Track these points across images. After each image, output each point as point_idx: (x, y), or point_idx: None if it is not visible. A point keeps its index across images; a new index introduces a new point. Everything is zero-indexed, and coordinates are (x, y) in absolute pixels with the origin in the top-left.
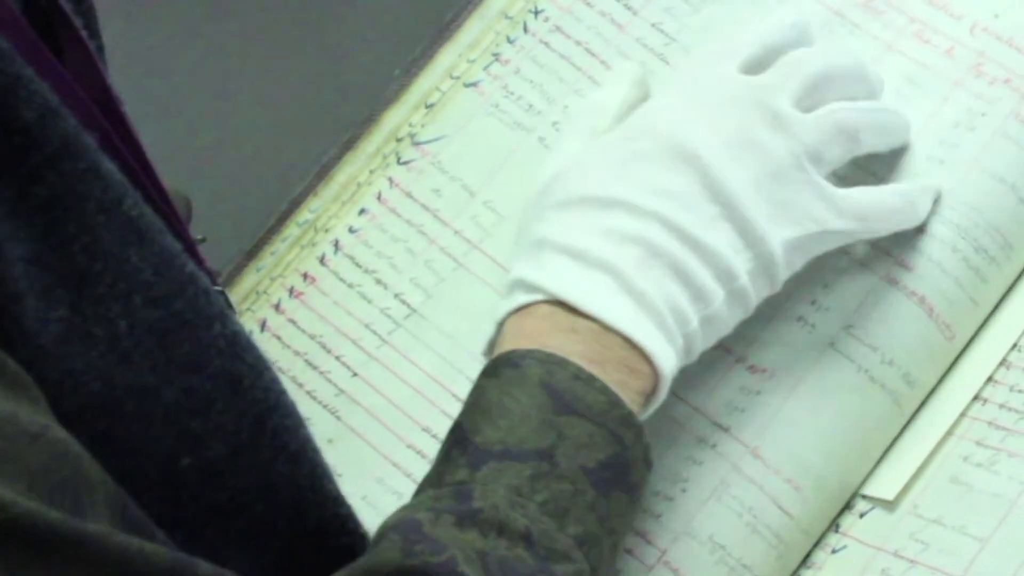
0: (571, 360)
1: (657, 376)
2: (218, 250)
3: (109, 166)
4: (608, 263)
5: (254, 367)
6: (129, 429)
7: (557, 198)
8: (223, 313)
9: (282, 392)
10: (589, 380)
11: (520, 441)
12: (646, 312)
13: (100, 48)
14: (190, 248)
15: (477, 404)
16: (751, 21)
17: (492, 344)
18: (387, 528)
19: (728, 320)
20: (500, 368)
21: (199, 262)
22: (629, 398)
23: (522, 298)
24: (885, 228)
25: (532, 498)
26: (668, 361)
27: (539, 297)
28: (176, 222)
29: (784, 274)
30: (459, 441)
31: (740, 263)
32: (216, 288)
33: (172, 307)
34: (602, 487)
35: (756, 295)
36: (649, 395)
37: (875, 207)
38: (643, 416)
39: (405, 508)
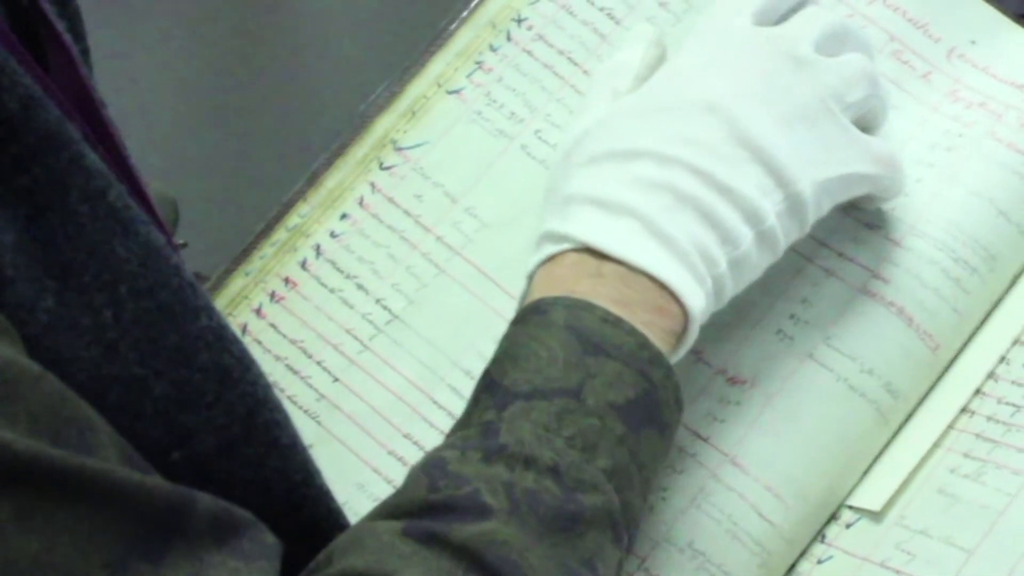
0: (598, 304)
1: (687, 316)
2: (211, 254)
3: (93, 157)
4: (635, 209)
5: (242, 360)
6: (117, 421)
7: (584, 156)
8: (209, 306)
9: (269, 387)
10: (616, 322)
11: (547, 381)
12: (673, 254)
13: (85, 51)
14: (175, 251)
15: (506, 351)
16: None
17: (524, 298)
18: (415, 469)
19: (758, 263)
20: (528, 315)
21: None
22: (658, 338)
23: (550, 248)
24: (900, 183)
25: (560, 433)
26: (697, 300)
27: (567, 246)
28: (158, 226)
29: (813, 216)
30: (487, 386)
31: (769, 205)
32: None
33: (158, 298)
34: (632, 423)
35: (785, 238)
36: (679, 336)
37: (896, 155)
38: (674, 359)
39: (434, 449)
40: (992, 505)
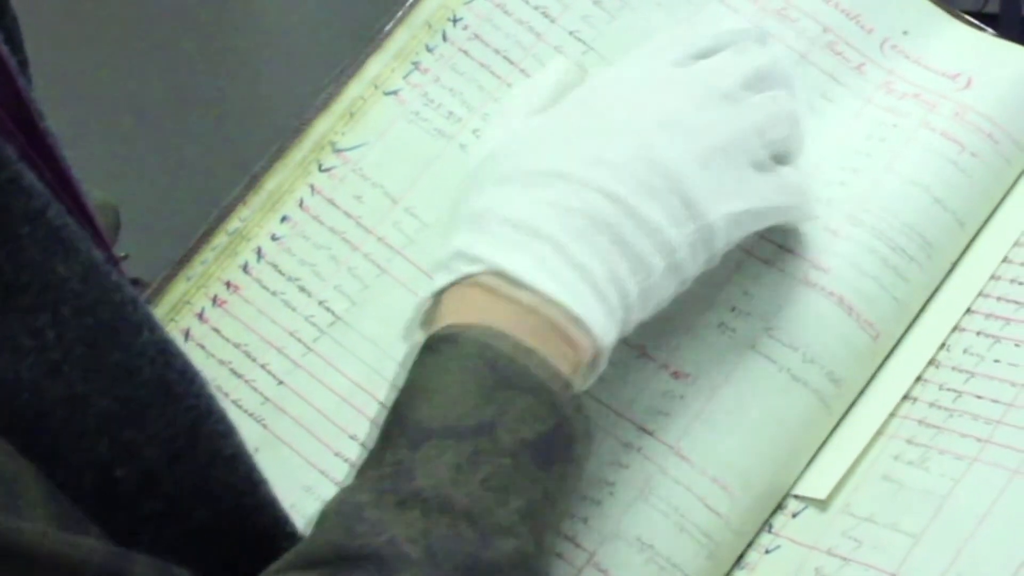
0: (510, 334)
1: (596, 347)
2: (152, 259)
3: (30, 176)
4: (550, 234)
5: (185, 374)
6: (61, 440)
7: (498, 172)
8: (151, 320)
9: (212, 398)
10: (528, 354)
11: (459, 418)
12: (586, 284)
13: (23, 63)
14: (113, 264)
15: (415, 382)
16: (665, 28)
17: (427, 315)
18: (328, 511)
19: (665, 292)
20: (439, 344)
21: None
22: (568, 371)
23: (464, 269)
24: (810, 211)
25: (473, 475)
26: (608, 332)
27: (479, 268)
28: (97, 239)
29: (723, 248)
30: (398, 420)
31: (680, 236)
32: None
33: (100, 315)
34: (544, 460)
35: (695, 267)
36: (588, 367)
37: (809, 186)
38: (583, 388)
39: (346, 490)
40: (936, 490)
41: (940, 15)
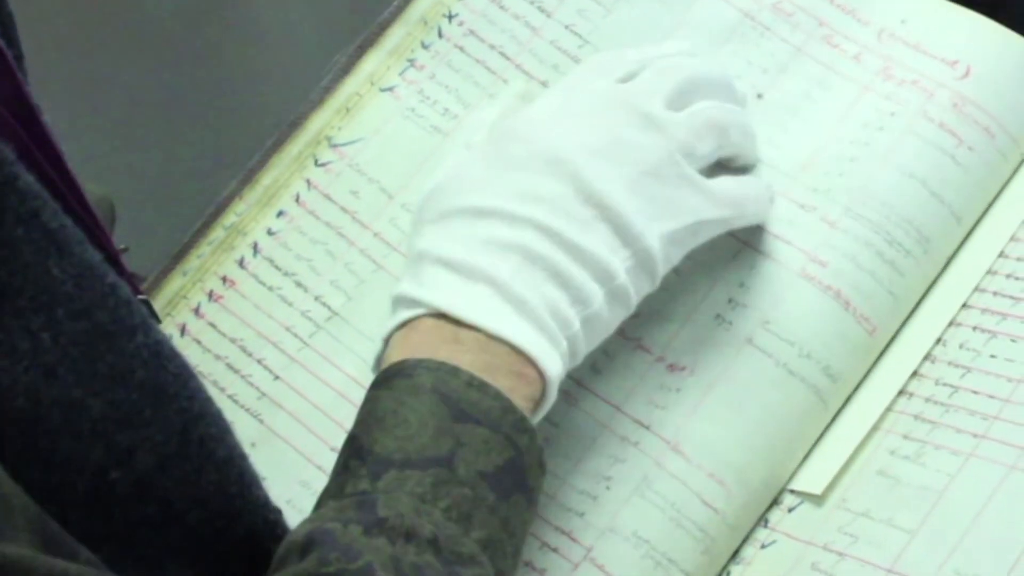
0: (462, 368)
1: (544, 379)
2: (149, 253)
3: (27, 178)
4: (487, 273)
5: (178, 376)
6: (56, 444)
7: (434, 212)
8: (145, 323)
9: (207, 400)
10: (482, 387)
11: (419, 449)
12: (527, 319)
13: (19, 57)
14: (112, 258)
15: (372, 415)
16: (661, 21)
17: (380, 360)
18: (297, 542)
19: (610, 320)
20: (392, 379)
21: (121, 271)
22: (519, 404)
23: (405, 314)
24: (752, 216)
25: (436, 505)
26: (554, 365)
27: (421, 311)
28: (98, 231)
29: (663, 269)
30: (356, 452)
31: (618, 262)
32: (140, 297)
33: (95, 318)
34: (501, 492)
35: (636, 293)
36: (538, 400)
37: (745, 194)
38: (535, 420)
39: (310, 520)
40: (932, 486)
41: (937, 1)
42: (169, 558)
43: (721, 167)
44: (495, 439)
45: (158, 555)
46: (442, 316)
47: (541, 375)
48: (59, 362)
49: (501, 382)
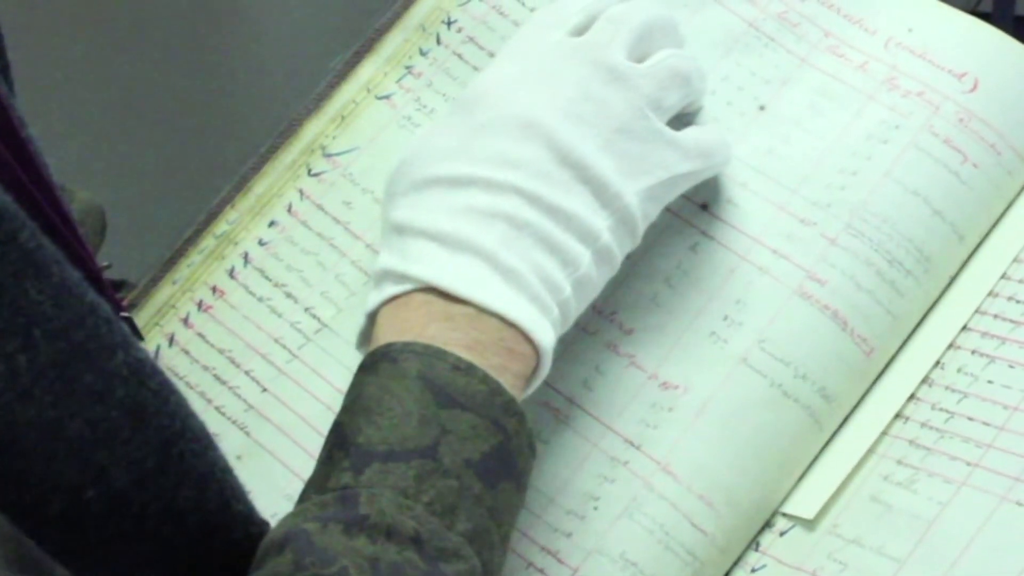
0: (449, 351)
1: (537, 353)
2: (140, 260)
3: (3, 198)
4: (474, 244)
5: (159, 393)
6: (31, 464)
7: (408, 182)
8: (126, 341)
9: (189, 415)
10: (468, 370)
11: (403, 440)
12: (519, 289)
13: (4, 67)
14: (94, 275)
15: (357, 402)
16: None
17: (365, 336)
18: (274, 542)
19: (597, 281)
20: (378, 363)
21: (101, 289)
22: (510, 383)
23: (393, 288)
24: (719, 166)
25: (419, 499)
26: (546, 336)
27: (410, 287)
28: (80, 248)
29: (643, 225)
30: (340, 442)
31: (600, 222)
32: (123, 315)
33: (73, 338)
34: (488, 479)
35: (620, 251)
36: (530, 375)
37: (711, 143)
38: (525, 396)
39: (291, 517)
40: (923, 514)
41: (947, 10)
42: (142, 571)
43: (678, 116)
44: (482, 424)
45: (131, 568)
46: (431, 290)
47: (534, 348)
48: (35, 383)
49: (491, 360)
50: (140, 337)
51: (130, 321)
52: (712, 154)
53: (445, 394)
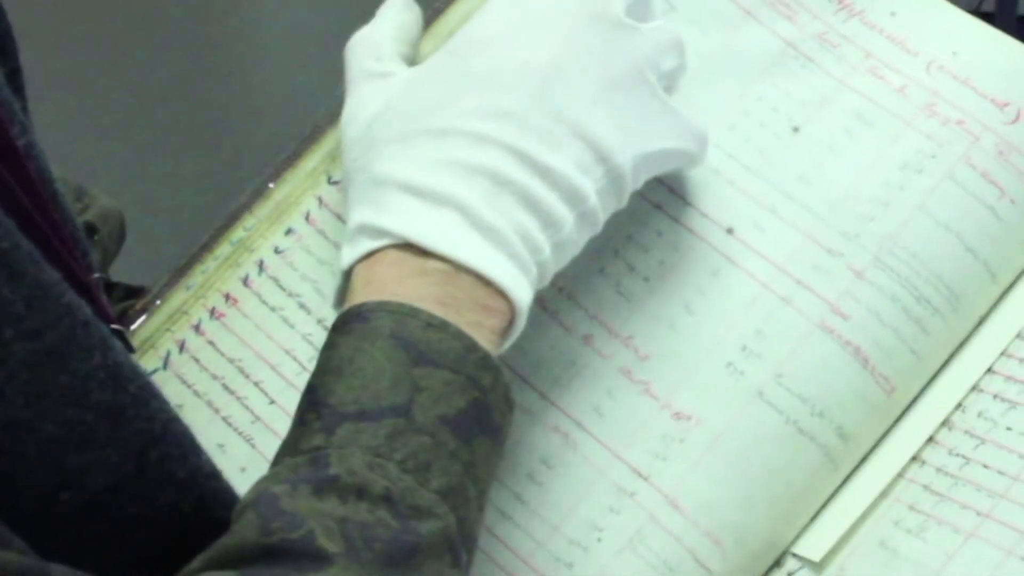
0: (422, 308)
1: (513, 311)
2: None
3: None
4: (455, 198)
5: (138, 397)
6: (2, 465)
7: (392, 133)
8: (104, 343)
9: (171, 420)
10: (442, 326)
11: (375, 398)
12: (497, 246)
13: (15, 71)
14: (78, 277)
15: (329, 363)
16: (701, 47)
17: (341, 293)
18: (245, 505)
19: (578, 242)
20: (350, 323)
21: (92, 299)
22: (484, 338)
23: (368, 244)
24: (701, 160)
25: (391, 457)
26: (524, 294)
27: (386, 242)
28: (67, 252)
29: (631, 189)
30: (313, 404)
31: (589, 183)
32: (114, 328)
33: (46, 340)
34: (463, 435)
35: (604, 212)
36: (505, 332)
37: (702, 128)
38: (500, 351)
39: (263, 480)
40: (929, 564)
41: (994, 35)
42: (116, 570)
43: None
44: (456, 381)
45: (104, 570)
46: (407, 246)
47: (510, 305)
48: (6, 383)
49: (466, 316)
50: (131, 349)
51: (120, 334)
52: (703, 140)
53: (418, 352)
